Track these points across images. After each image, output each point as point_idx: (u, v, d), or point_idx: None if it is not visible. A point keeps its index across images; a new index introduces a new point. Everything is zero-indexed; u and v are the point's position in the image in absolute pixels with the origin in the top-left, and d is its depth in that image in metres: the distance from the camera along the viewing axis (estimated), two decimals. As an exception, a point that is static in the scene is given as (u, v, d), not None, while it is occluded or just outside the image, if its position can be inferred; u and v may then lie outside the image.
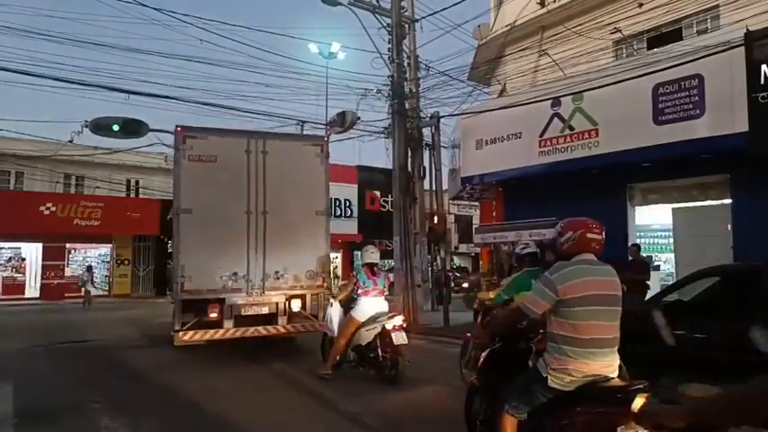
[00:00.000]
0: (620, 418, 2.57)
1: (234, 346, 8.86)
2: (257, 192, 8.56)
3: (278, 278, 8.57)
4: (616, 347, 2.94)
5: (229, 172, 8.45)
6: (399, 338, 6.51)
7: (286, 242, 8.59)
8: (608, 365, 2.87)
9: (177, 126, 8.59)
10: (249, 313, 8.53)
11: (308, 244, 8.82)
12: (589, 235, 3.02)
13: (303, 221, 8.79)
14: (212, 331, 8.16)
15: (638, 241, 10.94)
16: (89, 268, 21.97)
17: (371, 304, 6.91)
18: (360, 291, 7.00)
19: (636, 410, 2.51)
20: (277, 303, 8.64)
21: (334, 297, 7.52)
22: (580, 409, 2.76)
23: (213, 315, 8.18)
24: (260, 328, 8.47)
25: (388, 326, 6.58)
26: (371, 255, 7.17)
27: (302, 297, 8.87)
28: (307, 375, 7.20)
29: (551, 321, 2.94)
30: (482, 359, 3.66)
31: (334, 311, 7.18)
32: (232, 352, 8.82)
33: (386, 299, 7.27)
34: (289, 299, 8.75)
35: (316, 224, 8.89)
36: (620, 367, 2.95)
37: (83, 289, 20.34)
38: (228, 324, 8.28)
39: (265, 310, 8.62)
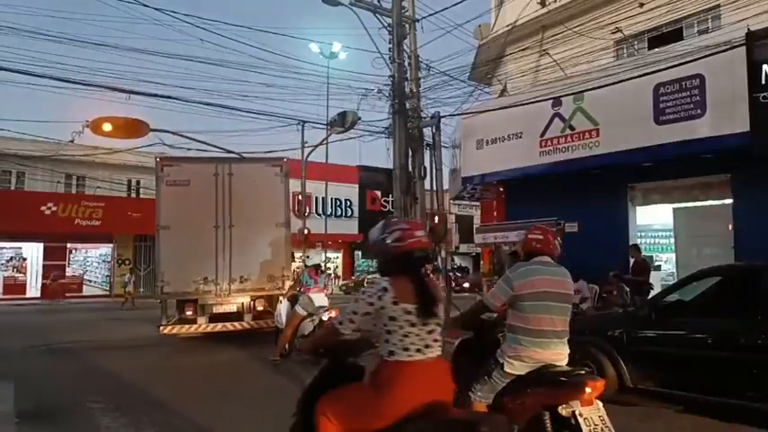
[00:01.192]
0: (561, 397, 2.94)
1: (240, 344, 9.60)
2: (224, 208, 9.88)
3: (243, 281, 9.91)
4: (565, 339, 3.33)
5: (200, 193, 9.85)
6: None
7: (250, 251, 9.95)
8: (557, 354, 3.28)
9: (156, 157, 10.47)
10: (219, 311, 10.06)
11: (270, 251, 10.10)
12: (531, 236, 3.50)
13: (265, 232, 10.05)
14: (187, 326, 9.83)
15: (639, 241, 10.95)
16: (131, 271, 22.39)
17: (312, 300, 8.14)
18: (302, 289, 8.44)
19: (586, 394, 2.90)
20: (243, 303, 10.13)
21: (283, 296, 9.04)
22: (530, 391, 3.13)
23: (189, 313, 9.88)
24: (228, 324, 9.89)
25: (325, 318, 7.49)
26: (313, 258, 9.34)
27: (265, 297, 10.26)
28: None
29: (509, 314, 3.35)
30: (454, 349, 3.94)
31: (283, 307, 8.60)
32: (233, 352, 8.96)
33: (328, 295, 8.70)
34: (253, 299, 10.13)
35: (276, 234, 10.15)
36: (569, 356, 3.33)
37: (124, 290, 20.52)
38: (202, 321, 9.87)
39: (234, 309, 10.12)
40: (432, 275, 4.79)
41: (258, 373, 7.65)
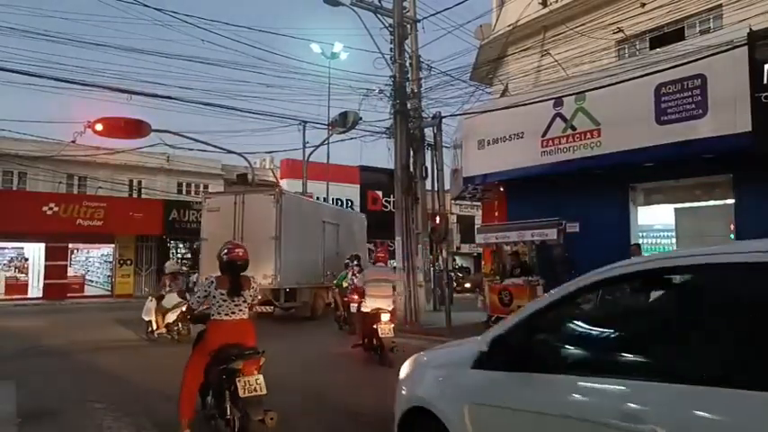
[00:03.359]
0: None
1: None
2: (239, 226, 13.40)
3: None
4: (389, 299, 8.90)
5: (225, 215, 13.60)
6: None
7: (254, 257, 11.35)
8: (384, 304, 8.82)
9: (203, 192, 15.49)
10: None
11: (267, 257, 12.94)
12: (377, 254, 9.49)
13: (263, 243, 12.87)
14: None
15: (640, 241, 10.93)
16: (187, 274, 22.11)
17: (172, 298, 10.99)
18: (165, 291, 11.23)
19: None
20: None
21: (151, 296, 11.84)
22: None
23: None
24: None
25: (183, 309, 9.90)
26: (172, 266, 12.33)
27: (264, 290, 11.84)
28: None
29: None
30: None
31: (151, 304, 11.23)
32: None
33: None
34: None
35: (270, 245, 13.12)
36: None
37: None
38: None
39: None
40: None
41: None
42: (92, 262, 27.50)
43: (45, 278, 23.33)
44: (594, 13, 12.49)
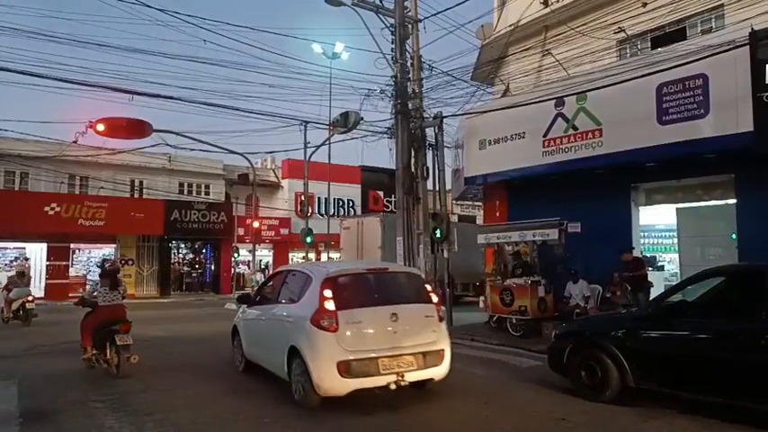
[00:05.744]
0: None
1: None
2: (360, 239, 18.49)
3: None
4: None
5: (354, 234, 18.83)
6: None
7: (368, 258, 17.70)
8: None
9: (339, 218, 23.86)
10: None
11: (376, 260, 16.43)
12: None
13: (374, 250, 17.65)
14: None
15: (642, 241, 10.92)
16: (263, 270, 23.03)
17: (19, 291, 14.38)
18: (11, 286, 14.54)
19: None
20: None
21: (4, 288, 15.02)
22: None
23: None
24: None
25: (30, 299, 14.49)
26: (20, 266, 15.43)
27: None
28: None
29: None
30: None
31: (2, 296, 14.81)
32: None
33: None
34: None
35: (377, 252, 17.55)
36: None
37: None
38: None
39: None
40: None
41: (266, 372, 7.65)
42: (93, 262, 27.53)
43: (47, 278, 23.37)
44: (596, 13, 12.47)
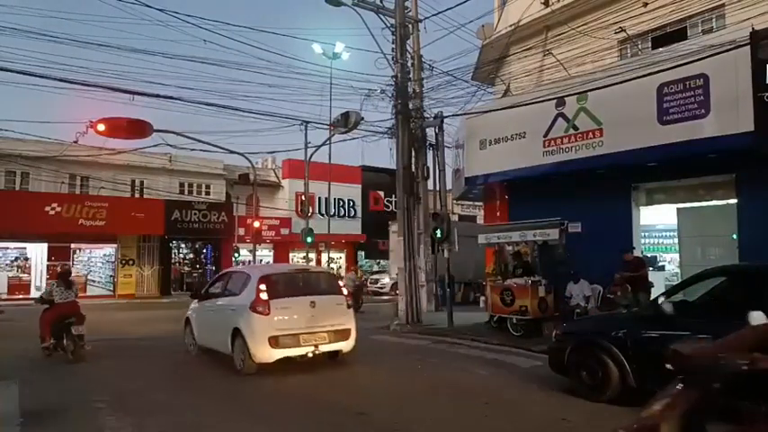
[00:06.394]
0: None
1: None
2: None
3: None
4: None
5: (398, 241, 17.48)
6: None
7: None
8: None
9: (389, 223, 24.35)
10: None
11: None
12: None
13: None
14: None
15: (642, 241, 10.90)
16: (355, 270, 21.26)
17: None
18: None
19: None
20: None
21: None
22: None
23: None
24: None
25: None
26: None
27: None
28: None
29: None
30: None
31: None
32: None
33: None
34: None
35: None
36: None
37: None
38: None
39: None
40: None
41: (268, 373, 7.65)
42: (94, 262, 27.55)
43: (47, 278, 23.39)
44: (596, 13, 12.47)
